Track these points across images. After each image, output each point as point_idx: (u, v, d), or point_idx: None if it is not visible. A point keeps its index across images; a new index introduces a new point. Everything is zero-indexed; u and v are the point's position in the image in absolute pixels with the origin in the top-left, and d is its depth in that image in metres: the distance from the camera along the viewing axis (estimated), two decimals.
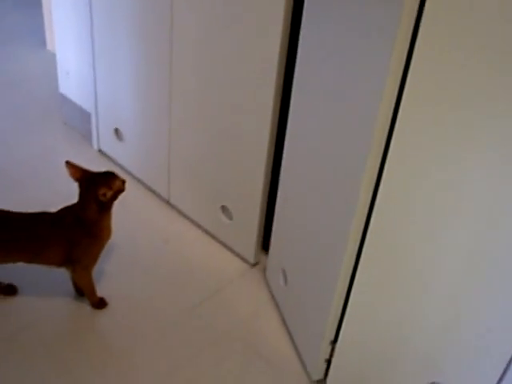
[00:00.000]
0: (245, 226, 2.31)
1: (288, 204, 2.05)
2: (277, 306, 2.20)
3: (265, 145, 2.08)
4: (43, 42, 3.82)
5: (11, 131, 3.03)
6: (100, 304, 2.14)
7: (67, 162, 1.89)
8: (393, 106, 1.40)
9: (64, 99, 3.03)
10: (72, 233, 1.94)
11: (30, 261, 1.99)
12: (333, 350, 1.86)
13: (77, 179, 1.91)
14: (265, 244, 2.34)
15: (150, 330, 2.08)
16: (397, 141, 1.42)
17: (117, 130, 2.72)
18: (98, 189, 1.86)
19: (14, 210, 1.94)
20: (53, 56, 3.07)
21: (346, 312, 1.76)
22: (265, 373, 1.98)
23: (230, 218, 2.34)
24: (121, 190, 1.93)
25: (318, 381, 1.95)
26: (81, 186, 1.92)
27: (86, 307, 2.14)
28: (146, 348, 2.02)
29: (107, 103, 2.75)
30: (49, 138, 3.02)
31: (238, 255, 2.40)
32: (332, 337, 1.84)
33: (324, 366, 1.91)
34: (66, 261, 1.98)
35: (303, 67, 1.81)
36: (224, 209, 2.35)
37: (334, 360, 1.87)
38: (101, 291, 2.15)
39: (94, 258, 2.01)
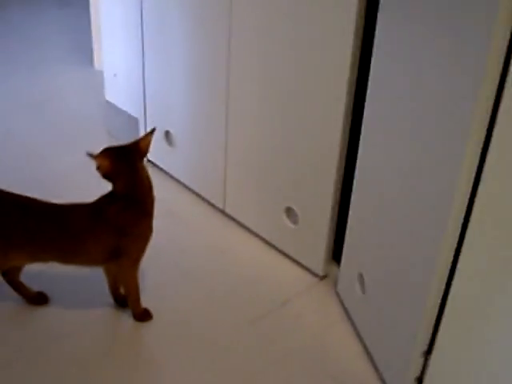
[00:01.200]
0: (312, 231, 1.98)
1: (365, 203, 1.73)
2: (351, 320, 1.85)
3: (336, 139, 1.80)
4: (91, 61, 3.66)
5: (55, 144, 2.81)
6: (144, 315, 1.83)
7: (91, 155, 1.63)
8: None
9: (109, 107, 2.81)
10: (122, 219, 1.65)
11: (64, 260, 1.71)
12: (426, 363, 1.50)
13: (108, 168, 1.64)
14: (336, 253, 2.00)
15: (201, 347, 1.76)
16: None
17: (167, 134, 2.45)
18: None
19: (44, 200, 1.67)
20: (99, 73, 2.94)
21: (442, 317, 1.42)
22: None
23: (296, 222, 2.02)
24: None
25: None
26: (115, 166, 1.64)
27: (127, 320, 1.83)
28: (196, 368, 1.69)
29: (157, 106, 2.51)
30: (92, 149, 2.77)
31: (303, 267, 2.07)
32: (425, 347, 1.48)
33: None
34: (112, 256, 1.68)
35: (378, 68, 1.59)
36: (289, 211, 2.03)
37: (427, 378, 1.50)
38: (146, 303, 1.84)
39: (142, 251, 1.71)
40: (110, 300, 1.86)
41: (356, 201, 1.79)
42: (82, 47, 3.80)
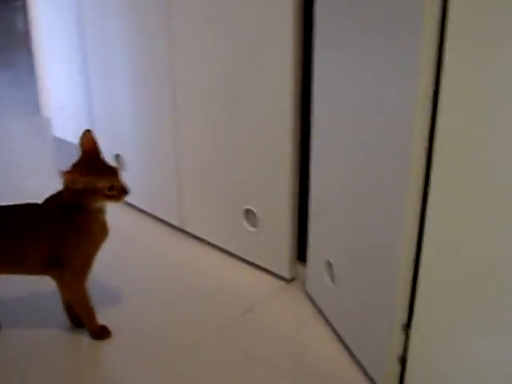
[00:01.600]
0: (274, 232, 1.90)
1: (325, 190, 1.67)
2: (323, 317, 1.75)
3: (288, 135, 1.75)
4: (37, 109, 3.60)
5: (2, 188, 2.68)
6: (101, 333, 1.70)
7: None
8: None
9: (58, 143, 2.73)
10: (56, 223, 1.54)
11: (6, 267, 1.58)
12: (407, 340, 1.40)
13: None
14: (301, 253, 1.91)
15: (166, 361, 1.63)
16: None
17: (117, 157, 2.37)
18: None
19: None
20: (46, 120, 2.86)
21: (416, 287, 1.35)
22: None
23: (256, 224, 1.93)
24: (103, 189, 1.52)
25: None
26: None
27: (84, 339, 1.69)
28: (163, 381, 1.56)
29: (106, 132, 2.42)
30: (41, 187, 2.67)
31: (269, 272, 1.97)
32: (404, 320, 1.38)
33: (397, 368, 1.43)
34: (51, 263, 1.56)
35: (321, 60, 1.58)
36: (248, 215, 1.95)
37: (410, 355, 1.40)
38: (104, 320, 1.71)
39: (86, 261, 1.59)
40: (66, 319, 1.73)
41: (315, 191, 1.72)
42: (29, 99, 3.74)
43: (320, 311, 1.77)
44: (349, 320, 1.61)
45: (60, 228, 1.54)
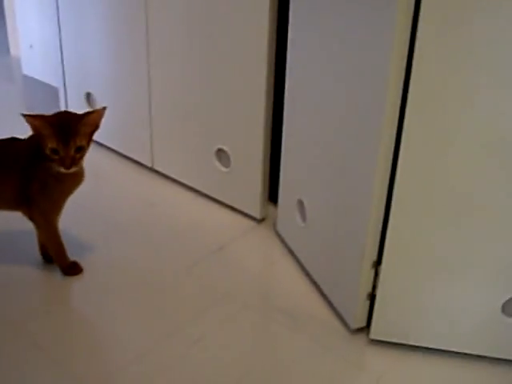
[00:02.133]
0: (246, 172, 1.91)
1: (297, 128, 1.68)
2: (294, 256, 1.78)
3: (263, 72, 1.74)
4: (6, 49, 3.50)
5: None
6: (72, 269, 1.71)
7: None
8: None
9: (27, 81, 2.67)
10: (27, 162, 1.55)
11: None
12: (377, 276, 1.43)
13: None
14: (272, 195, 1.93)
15: (138, 296, 1.65)
16: None
17: (88, 96, 2.34)
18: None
19: None
20: (16, 60, 2.80)
21: (387, 226, 1.37)
22: (288, 327, 1.54)
23: (227, 164, 1.94)
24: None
25: (358, 329, 1.51)
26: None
27: (56, 275, 1.70)
28: (134, 315, 1.59)
29: (76, 71, 2.39)
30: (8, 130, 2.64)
31: (240, 212, 1.99)
32: (374, 257, 1.41)
33: (366, 304, 1.47)
34: (22, 199, 1.57)
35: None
36: (220, 155, 1.95)
37: (379, 293, 1.43)
38: (76, 257, 1.72)
39: (53, 204, 1.59)
40: (39, 256, 1.73)
41: (288, 130, 1.73)
42: None
43: (290, 250, 1.80)
44: (319, 258, 1.64)
45: (30, 168, 1.54)
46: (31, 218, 1.62)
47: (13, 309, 1.58)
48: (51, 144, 1.46)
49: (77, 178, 1.59)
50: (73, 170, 1.51)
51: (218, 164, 1.96)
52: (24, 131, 1.53)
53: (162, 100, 2.08)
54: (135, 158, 2.28)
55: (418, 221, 1.33)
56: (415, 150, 1.26)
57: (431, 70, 1.19)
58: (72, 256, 1.70)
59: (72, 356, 1.44)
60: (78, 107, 2.21)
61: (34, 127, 1.48)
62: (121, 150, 2.33)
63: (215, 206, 2.03)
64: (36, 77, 2.63)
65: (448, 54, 1.17)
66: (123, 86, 2.21)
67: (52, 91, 2.54)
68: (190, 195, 2.10)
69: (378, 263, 1.42)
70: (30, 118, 1.46)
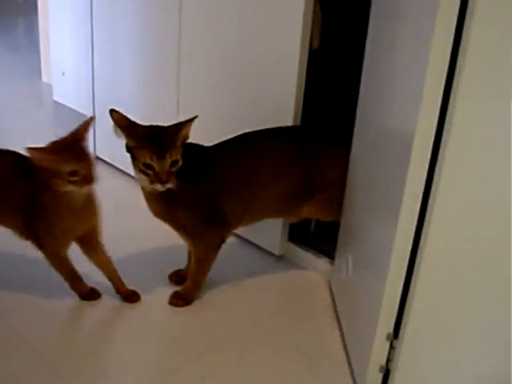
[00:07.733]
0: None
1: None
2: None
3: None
4: (38, 75, 3.59)
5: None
6: (89, 295, 1.73)
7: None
8: None
9: (58, 107, 2.73)
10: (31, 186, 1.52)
11: None
12: (391, 349, 1.39)
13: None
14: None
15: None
16: None
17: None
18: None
19: None
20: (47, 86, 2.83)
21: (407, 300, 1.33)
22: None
23: None
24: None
25: None
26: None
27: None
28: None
29: (106, 100, 2.44)
30: None
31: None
32: (390, 329, 1.37)
33: (378, 376, 1.43)
34: (27, 223, 1.56)
35: None
36: None
37: (393, 367, 1.40)
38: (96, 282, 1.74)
39: (57, 239, 1.58)
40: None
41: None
42: (29, 65, 3.75)
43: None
44: (351, 316, 1.64)
45: (32, 206, 1.53)
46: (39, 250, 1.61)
47: (25, 326, 1.61)
48: (68, 167, 1.42)
49: (81, 214, 1.54)
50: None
51: None
52: None
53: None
54: None
55: (436, 299, 1.31)
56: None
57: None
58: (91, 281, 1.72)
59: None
60: (106, 136, 2.26)
61: (38, 158, 1.44)
62: None
63: (236, 241, 2.04)
64: (66, 104, 2.68)
65: None
66: (152, 117, 2.24)
67: (81, 118, 2.58)
68: None
69: (394, 337, 1.38)
70: (34, 152, 1.43)
